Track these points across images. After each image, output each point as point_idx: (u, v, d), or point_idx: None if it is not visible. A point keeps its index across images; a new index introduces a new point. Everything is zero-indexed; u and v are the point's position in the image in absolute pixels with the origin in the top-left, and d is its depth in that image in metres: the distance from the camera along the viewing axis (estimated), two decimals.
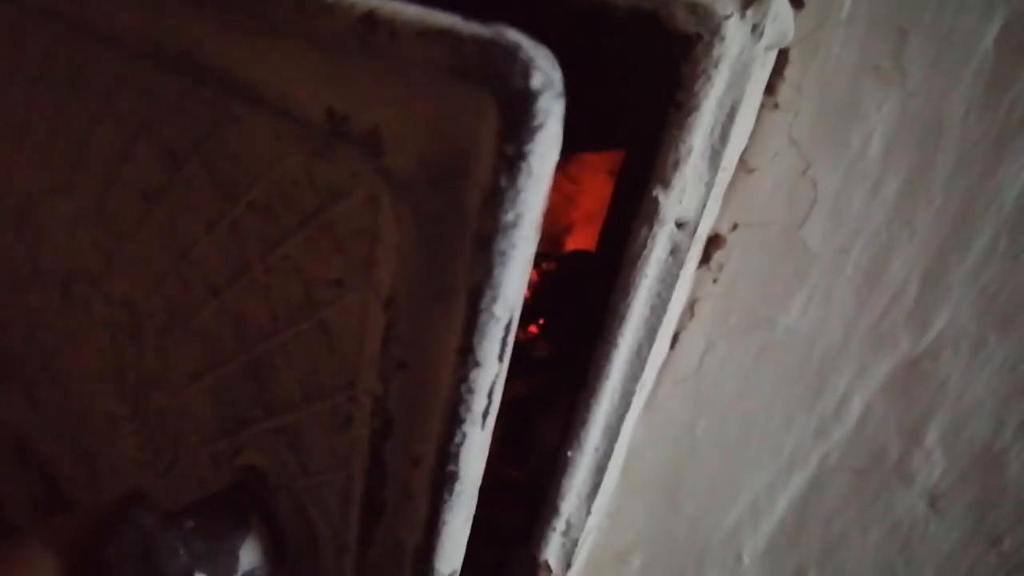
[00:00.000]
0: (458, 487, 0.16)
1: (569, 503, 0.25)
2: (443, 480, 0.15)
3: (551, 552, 0.26)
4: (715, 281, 0.32)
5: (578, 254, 0.39)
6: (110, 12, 0.20)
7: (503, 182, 0.12)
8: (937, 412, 0.30)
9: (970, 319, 0.28)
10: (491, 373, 0.14)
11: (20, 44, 0.26)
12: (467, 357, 0.13)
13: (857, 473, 0.33)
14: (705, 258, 0.32)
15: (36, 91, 0.26)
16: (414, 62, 0.12)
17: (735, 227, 0.31)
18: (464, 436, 0.15)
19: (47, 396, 0.36)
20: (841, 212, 0.29)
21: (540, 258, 0.37)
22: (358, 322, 0.16)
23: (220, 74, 0.17)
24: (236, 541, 0.22)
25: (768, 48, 0.20)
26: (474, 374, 0.14)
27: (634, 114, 0.18)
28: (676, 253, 0.20)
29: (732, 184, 0.30)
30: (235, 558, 0.21)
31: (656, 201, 0.19)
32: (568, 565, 0.26)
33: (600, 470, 0.24)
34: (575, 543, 0.26)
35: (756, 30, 0.18)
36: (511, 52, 0.12)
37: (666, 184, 0.19)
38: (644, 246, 0.19)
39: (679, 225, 0.20)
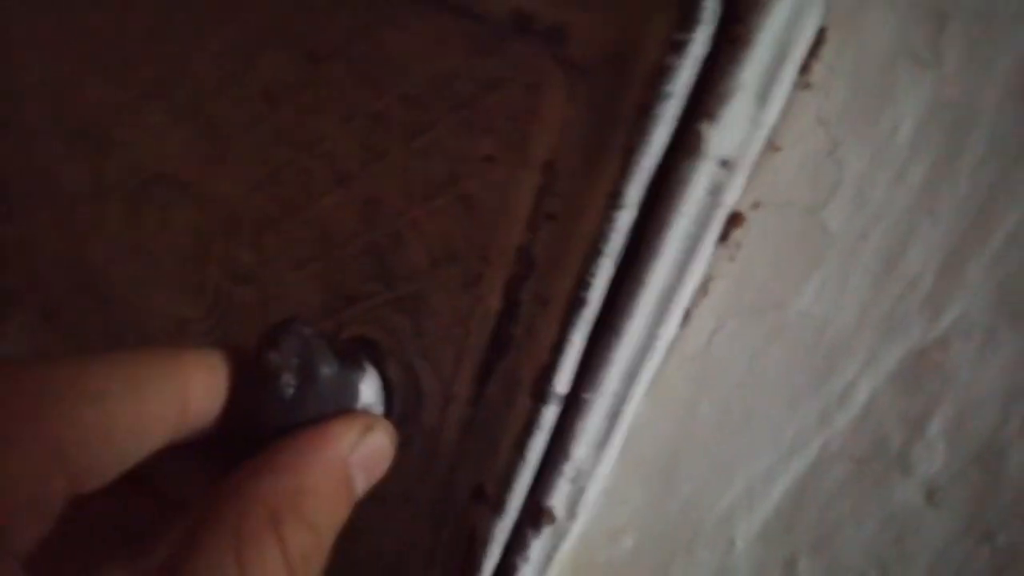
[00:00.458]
0: (585, 312, 0.19)
1: (581, 449, 0.25)
2: (575, 306, 0.19)
3: (558, 499, 0.26)
4: (731, 260, 0.32)
5: None
6: None
7: (670, 61, 0.16)
8: (942, 403, 0.30)
9: (983, 311, 0.28)
10: (629, 216, 0.18)
11: None
12: (616, 200, 0.18)
13: (857, 462, 0.33)
14: (723, 236, 0.32)
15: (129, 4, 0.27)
16: None
17: (756, 206, 0.31)
18: (598, 267, 0.19)
19: (76, 319, 0.37)
20: (864, 196, 0.29)
21: None
22: (504, 190, 0.19)
23: None
24: (358, 375, 0.24)
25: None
26: (617, 215, 0.18)
27: None
28: (716, 193, 0.20)
29: (757, 162, 0.30)
30: (357, 390, 0.24)
31: (699, 135, 0.19)
32: (573, 515, 0.26)
33: (615, 415, 0.24)
34: (582, 492, 0.26)
35: None
36: None
37: (712, 118, 0.19)
38: (683, 181, 0.19)
39: (723, 163, 0.20)
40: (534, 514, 0.26)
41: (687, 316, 0.34)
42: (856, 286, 0.30)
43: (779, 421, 0.34)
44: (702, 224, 0.21)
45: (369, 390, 0.24)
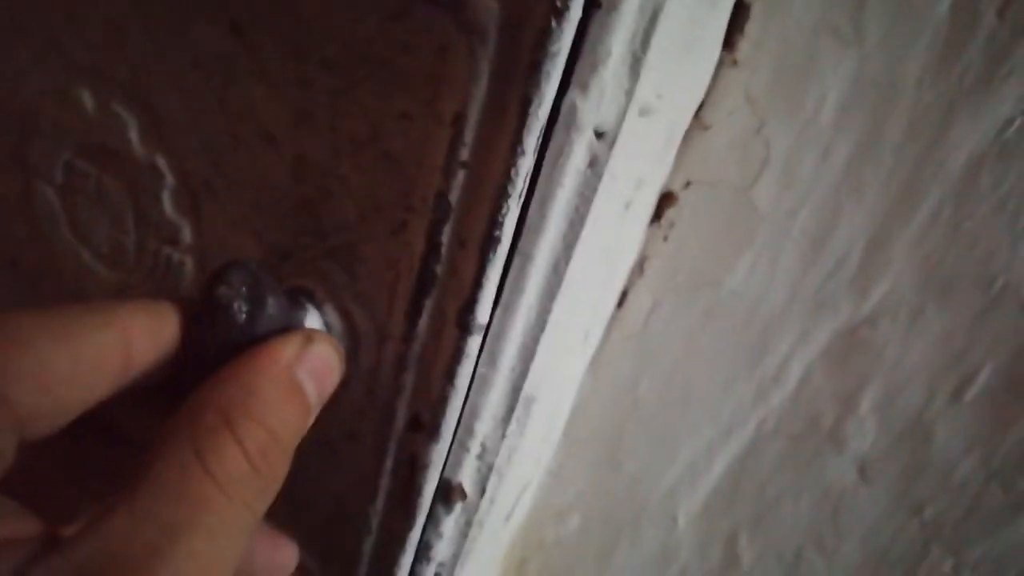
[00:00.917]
0: (500, 249, 0.21)
1: (484, 424, 0.25)
2: (489, 244, 0.21)
3: (466, 475, 0.26)
4: (665, 239, 0.32)
5: None
6: None
7: (553, 24, 0.18)
8: (872, 380, 0.31)
9: (910, 288, 0.29)
10: (529, 161, 0.20)
11: None
12: (517, 148, 0.20)
13: (792, 439, 0.33)
14: (657, 215, 0.32)
15: None
16: None
17: (688, 184, 0.31)
18: (508, 208, 0.21)
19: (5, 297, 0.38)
20: (791, 174, 0.29)
21: None
22: (420, 143, 0.22)
23: None
24: (301, 314, 0.25)
25: None
26: (520, 161, 0.20)
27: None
28: (594, 165, 0.20)
29: (686, 140, 0.30)
30: (303, 323, 0.25)
31: (574, 106, 0.19)
32: (483, 491, 0.27)
33: (515, 391, 0.24)
34: (490, 468, 0.26)
35: None
36: None
37: (584, 87, 0.19)
38: (561, 153, 0.20)
39: (598, 135, 0.20)
40: (445, 492, 0.26)
41: (624, 296, 0.34)
42: (786, 265, 0.30)
43: (717, 398, 0.34)
44: (584, 196, 0.21)
45: (313, 325, 0.26)
